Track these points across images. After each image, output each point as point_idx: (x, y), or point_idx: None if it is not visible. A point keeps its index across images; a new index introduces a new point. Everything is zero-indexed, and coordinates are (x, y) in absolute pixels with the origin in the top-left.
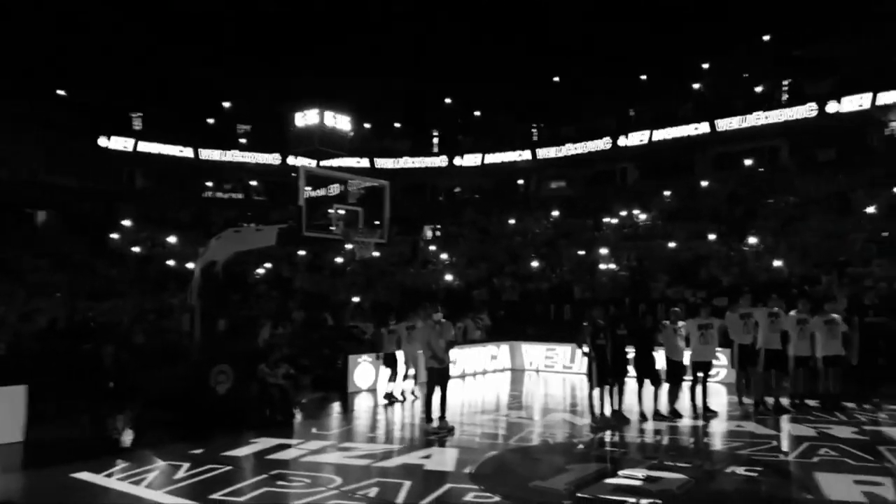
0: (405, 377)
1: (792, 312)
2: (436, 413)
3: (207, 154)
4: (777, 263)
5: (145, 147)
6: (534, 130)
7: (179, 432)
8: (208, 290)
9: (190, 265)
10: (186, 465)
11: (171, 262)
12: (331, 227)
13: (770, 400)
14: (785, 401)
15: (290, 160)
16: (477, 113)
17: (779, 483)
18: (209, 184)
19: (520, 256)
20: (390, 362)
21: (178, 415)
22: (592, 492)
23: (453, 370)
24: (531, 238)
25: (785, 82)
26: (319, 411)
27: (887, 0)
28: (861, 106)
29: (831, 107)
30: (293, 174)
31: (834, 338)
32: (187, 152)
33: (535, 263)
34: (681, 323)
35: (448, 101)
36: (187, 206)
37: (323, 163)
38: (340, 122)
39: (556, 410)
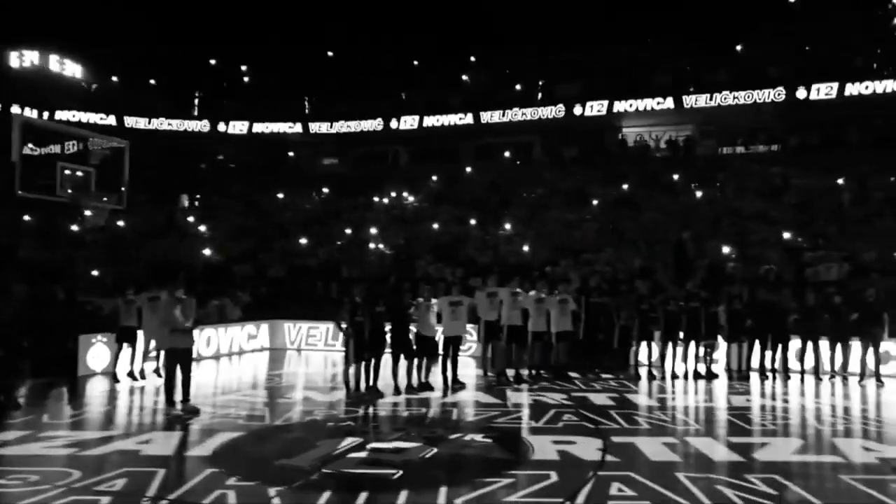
0: (146, 355)
1: (532, 292)
2: (178, 395)
3: None
4: (525, 248)
5: None
6: (306, 103)
7: None
8: None
9: None
10: None
11: None
12: (58, 190)
13: (511, 371)
14: (524, 372)
15: (16, 109)
16: (246, 79)
17: (503, 447)
18: None
19: (288, 232)
20: (128, 337)
21: None
22: (338, 466)
23: (207, 350)
24: (301, 214)
25: (540, 82)
26: (41, 398)
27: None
28: (600, 111)
29: (577, 109)
30: None
31: (565, 315)
32: None
33: (303, 240)
34: (434, 300)
35: (213, 62)
36: None
37: (60, 115)
38: (71, 69)
39: (312, 388)
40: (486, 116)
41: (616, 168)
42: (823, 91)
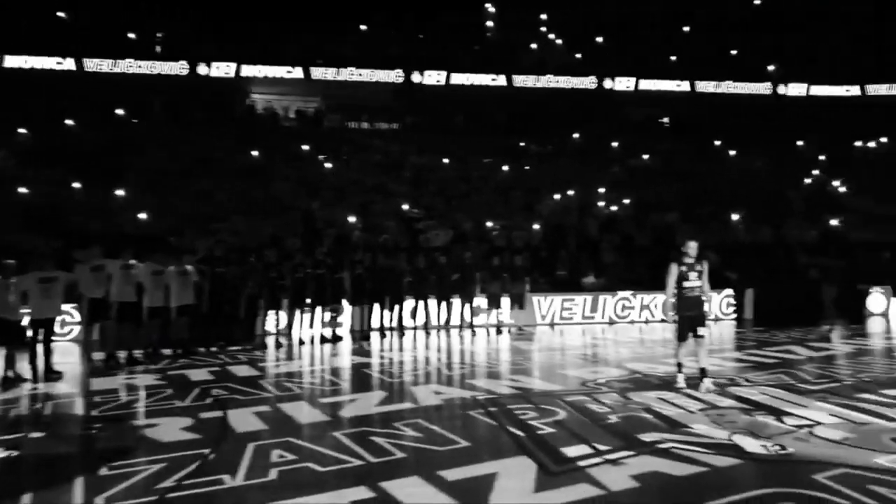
0: None
1: (148, 264)
2: None
3: None
4: (143, 216)
5: None
6: None
7: None
8: None
9: None
10: None
11: None
12: None
13: (123, 353)
14: (138, 352)
15: None
16: None
17: (110, 435)
18: None
19: None
20: None
21: None
22: None
23: None
24: None
25: (159, 34)
26: None
27: None
28: (228, 73)
29: (202, 69)
30: None
31: (187, 288)
32: None
33: None
34: (14, 278)
35: None
36: None
37: None
38: None
39: None
40: (92, 64)
41: (245, 134)
42: (435, 78)
